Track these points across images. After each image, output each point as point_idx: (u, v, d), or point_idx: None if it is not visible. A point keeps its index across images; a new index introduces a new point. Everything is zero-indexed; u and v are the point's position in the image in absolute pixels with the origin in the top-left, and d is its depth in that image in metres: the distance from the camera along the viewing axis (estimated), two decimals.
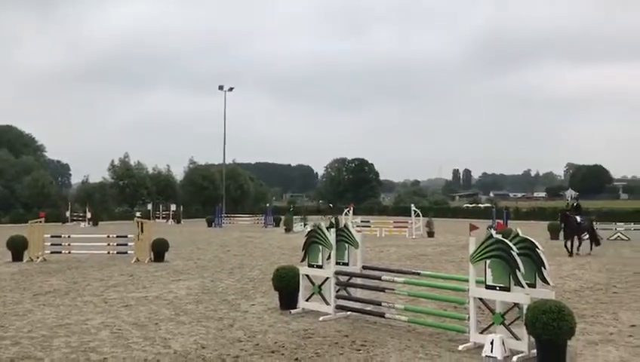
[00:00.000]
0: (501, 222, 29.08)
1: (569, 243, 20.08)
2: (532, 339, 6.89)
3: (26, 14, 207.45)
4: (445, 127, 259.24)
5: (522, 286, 7.12)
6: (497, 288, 7.31)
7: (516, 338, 7.19)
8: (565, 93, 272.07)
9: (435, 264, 17.42)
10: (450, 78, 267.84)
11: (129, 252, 18.85)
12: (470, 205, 75.58)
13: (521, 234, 7.67)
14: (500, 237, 7.39)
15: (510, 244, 7.25)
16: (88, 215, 47.22)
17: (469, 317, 7.65)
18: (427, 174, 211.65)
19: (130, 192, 65.89)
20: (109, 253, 19.61)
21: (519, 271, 7.07)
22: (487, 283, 7.41)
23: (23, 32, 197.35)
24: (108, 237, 20.66)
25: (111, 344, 7.85)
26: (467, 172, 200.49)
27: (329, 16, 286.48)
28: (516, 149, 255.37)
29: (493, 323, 7.52)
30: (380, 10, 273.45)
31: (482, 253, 7.42)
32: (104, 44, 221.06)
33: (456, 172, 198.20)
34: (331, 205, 60.12)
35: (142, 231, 18.40)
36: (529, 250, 7.47)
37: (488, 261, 7.37)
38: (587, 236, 21.02)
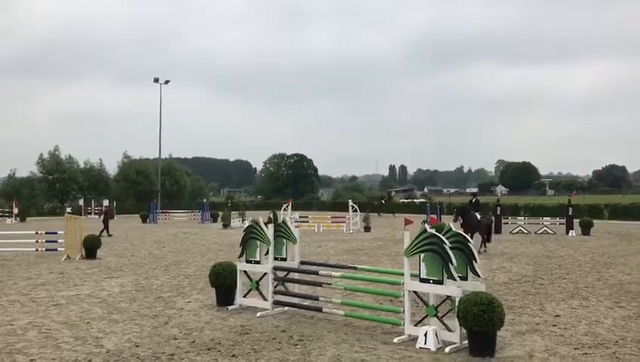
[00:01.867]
0: (434, 217, 29.80)
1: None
2: (464, 331, 7.13)
3: None
4: (382, 124, 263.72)
5: (455, 279, 7.35)
6: (431, 281, 7.51)
7: (449, 329, 7.42)
8: (497, 92, 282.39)
9: (371, 258, 17.68)
10: (388, 76, 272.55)
11: (59, 249, 18.16)
12: (406, 200, 77.13)
13: (453, 229, 7.90)
14: (433, 231, 7.59)
15: (443, 238, 7.46)
16: (15, 210, 45.15)
17: (403, 310, 7.83)
18: (364, 170, 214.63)
19: (61, 187, 63.33)
20: (37, 250, 18.85)
21: (452, 264, 7.29)
22: (422, 277, 7.61)
23: None
24: (36, 233, 19.83)
25: (39, 344, 7.55)
26: (403, 168, 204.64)
27: (270, 12, 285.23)
28: (450, 146, 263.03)
29: (427, 316, 7.73)
30: (320, 7, 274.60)
31: (417, 247, 7.61)
32: (36, 32, 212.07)
33: (392, 168, 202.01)
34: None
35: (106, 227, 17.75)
36: (461, 244, 7.70)
37: (422, 255, 7.56)
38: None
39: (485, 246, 19.66)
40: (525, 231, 29.28)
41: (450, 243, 7.50)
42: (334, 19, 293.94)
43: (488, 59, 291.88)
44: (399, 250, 18.57)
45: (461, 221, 19.61)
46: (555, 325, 8.68)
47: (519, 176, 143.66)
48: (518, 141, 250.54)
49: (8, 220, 43.93)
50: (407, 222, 8.13)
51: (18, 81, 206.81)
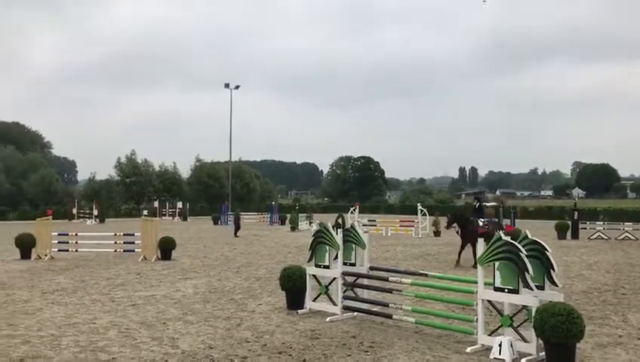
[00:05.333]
0: (509, 222, 28.94)
1: (471, 252, 16.65)
2: (541, 342, 6.87)
3: (36, 13, 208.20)
4: (452, 125, 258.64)
5: (531, 289, 7.10)
6: (506, 290, 7.29)
7: (525, 340, 7.17)
8: (572, 91, 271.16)
9: (442, 264, 17.38)
10: (457, 76, 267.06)
11: (136, 250, 18.91)
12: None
13: (529, 237, 7.64)
14: (508, 239, 7.37)
15: (519, 247, 7.22)
16: (95, 212, 47.41)
17: (477, 319, 7.64)
18: (433, 172, 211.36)
19: (137, 190, 66.09)
20: (115, 250, 19.69)
21: (528, 273, 7.05)
22: (496, 285, 7.40)
23: (32, 30, 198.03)
24: (115, 235, 20.73)
25: (119, 343, 7.88)
26: (473, 170, 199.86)
27: (338, 14, 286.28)
28: (523, 147, 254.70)
29: (501, 325, 7.51)
30: (389, 8, 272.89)
31: (491, 255, 7.40)
32: (112, 42, 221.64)
33: (462, 170, 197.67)
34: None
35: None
36: (538, 253, 7.44)
37: (497, 263, 7.36)
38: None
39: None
40: (605, 237, 27.93)
41: (527, 251, 7.25)
42: (402, 19, 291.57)
43: (562, 57, 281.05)
44: (470, 256, 18.16)
45: (457, 229, 17.68)
46: (639, 338, 8.22)
47: (597, 179, 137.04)
48: (595, 141, 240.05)
49: (88, 221, 46.19)
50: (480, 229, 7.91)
51: (98, 89, 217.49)
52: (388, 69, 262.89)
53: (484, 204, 19.08)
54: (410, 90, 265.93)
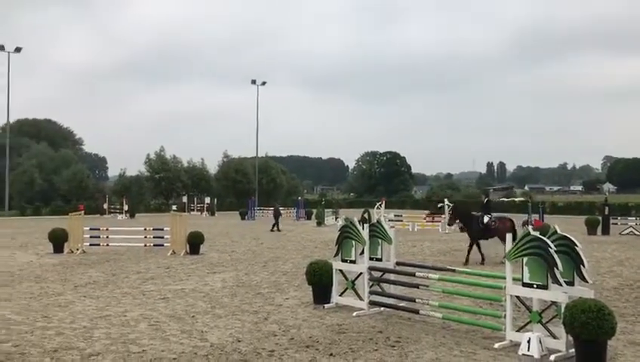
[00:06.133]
0: (537, 218, 28.55)
1: (476, 249, 16.73)
2: (570, 338, 6.79)
3: (65, 10, 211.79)
4: (479, 119, 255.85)
5: (560, 285, 7.01)
6: (535, 286, 7.21)
7: (554, 336, 7.09)
8: (604, 84, 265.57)
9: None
10: (485, 71, 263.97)
11: (165, 244, 19.19)
12: (505, 199, 74.44)
13: (559, 232, 7.55)
14: (537, 234, 7.29)
15: (548, 242, 7.13)
16: (125, 207, 48.19)
17: (505, 315, 7.58)
18: (460, 167, 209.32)
19: (166, 185, 66.94)
20: (145, 245, 20.01)
21: (557, 268, 6.97)
22: (524, 281, 7.33)
23: (61, 28, 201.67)
24: (145, 229, 21.06)
25: (149, 336, 8.03)
26: (502, 165, 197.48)
27: (363, 9, 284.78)
28: (552, 142, 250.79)
29: (530, 322, 7.43)
30: (415, 2, 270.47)
31: (519, 250, 7.34)
32: (141, 39, 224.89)
33: (490, 165, 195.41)
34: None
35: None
36: (567, 248, 7.34)
37: (525, 258, 7.29)
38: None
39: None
40: (637, 233, 27.38)
41: (556, 246, 7.16)
42: (430, 14, 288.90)
43: (593, 49, 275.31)
44: (498, 251, 17.96)
45: (461, 225, 17.28)
46: None
47: (629, 173, 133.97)
48: (627, 136, 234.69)
49: (119, 216, 46.96)
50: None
51: (128, 86, 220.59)
52: (415, 64, 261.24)
53: (489, 200, 18.28)
54: (437, 85, 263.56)
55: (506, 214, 23.44)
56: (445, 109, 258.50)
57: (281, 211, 47.50)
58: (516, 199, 72.16)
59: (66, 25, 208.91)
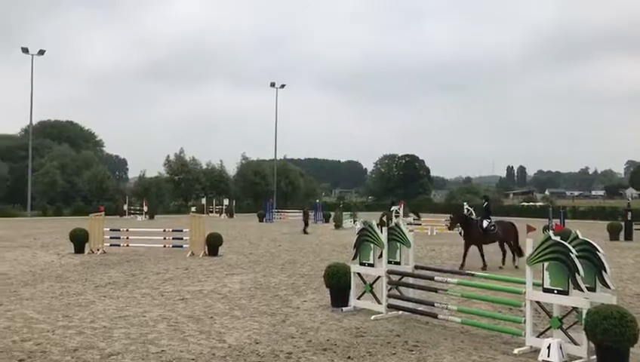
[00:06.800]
0: (558, 222, 28.21)
1: (474, 254, 16.41)
2: (592, 345, 6.69)
3: (87, 14, 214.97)
4: (499, 122, 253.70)
5: (582, 290, 6.92)
6: (555, 291, 7.13)
7: (575, 343, 7.00)
8: (627, 88, 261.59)
9: (487, 263, 17.07)
10: (504, 73, 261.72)
11: (184, 246, 19.32)
12: (526, 203, 73.71)
13: (580, 237, 7.45)
14: (558, 239, 7.20)
15: (569, 247, 7.05)
16: (145, 209, 48.64)
17: (524, 320, 7.50)
18: (480, 171, 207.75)
19: (185, 187, 67.45)
20: (164, 246, 20.17)
21: (579, 274, 6.88)
22: (545, 286, 7.24)
23: (81, 29, 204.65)
24: (164, 231, 21.24)
25: (168, 336, 8.09)
26: (522, 169, 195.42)
27: (382, 11, 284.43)
28: (573, 146, 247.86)
29: (550, 327, 7.35)
30: (434, 4, 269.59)
31: (540, 255, 7.25)
32: (163, 42, 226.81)
33: (510, 169, 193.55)
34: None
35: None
36: (589, 253, 7.25)
37: (546, 263, 7.20)
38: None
39: (515, 260, 16.46)
40: None
41: (577, 251, 7.07)
42: (450, 16, 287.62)
43: (615, 53, 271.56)
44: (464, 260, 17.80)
45: (460, 230, 17.00)
46: None
47: None
48: None
49: (139, 217, 47.42)
50: (530, 228, 7.76)
51: (148, 88, 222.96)
52: (434, 66, 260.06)
53: (489, 205, 18.01)
54: (456, 87, 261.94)
55: (525, 219, 23.16)
56: (465, 112, 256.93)
57: (299, 214, 47.68)
58: (537, 204, 71.40)
59: (88, 28, 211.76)
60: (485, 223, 16.69)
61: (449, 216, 17.87)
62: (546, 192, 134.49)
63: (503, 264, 16.39)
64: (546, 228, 22.51)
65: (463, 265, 15.68)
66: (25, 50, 53.77)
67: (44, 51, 54.73)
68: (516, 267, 16.01)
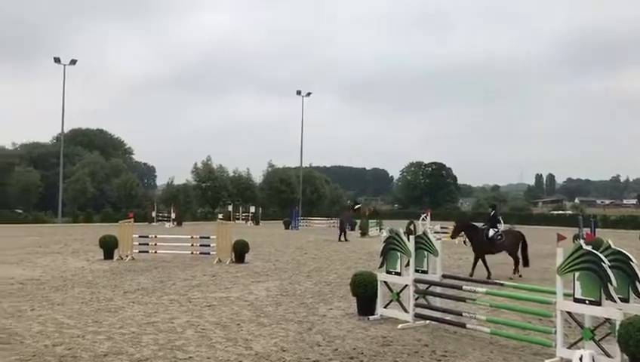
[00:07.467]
0: (589, 231, 27.69)
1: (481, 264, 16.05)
2: (625, 357, 6.54)
3: (115, 22, 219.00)
4: (527, 130, 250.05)
5: (614, 301, 6.78)
6: (587, 302, 6.99)
7: (608, 355, 6.84)
8: None
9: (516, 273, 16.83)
10: (532, 79, 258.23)
11: (211, 252, 19.47)
12: (555, 212, 72.54)
13: (612, 246, 7.31)
14: (589, 248, 7.07)
15: (601, 256, 6.92)
16: (173, 215, 49.18)
17: (555, 331, 7.37)
18: (508, 179, 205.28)
19: (212, 194, 68.09)
20: (192, 253, 20.35)
21: (611, 284, 6.74)
22: (576, 296, 7.11)
23: (111, 40, 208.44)
24: (191, 237, 21.43)
25: (196, 343, 8.15)
26: (551, 177, 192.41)
27: (405, 17, 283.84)
28: (604, 153, 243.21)
29: (582, 338, 7.20)
30: (459, 9, 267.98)
31: (571, 264, 7.13)
32: (190, 52, 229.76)
33: (539, 177, 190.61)
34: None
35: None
36: (622, 263, 7.10)
37: (577, 273, 7.07)
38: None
39: (517, 271, 16.15)
40: None
41: (610, 261, 6.93)
42: (475, 21, 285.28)
43: None
44: (547, 265, 17.51)
45: (465, 239, 16.50)
46: None
47: None
48: None
49: (167, 224, 47.97)
50: (560, 237, 7.62)
51: (175, 97, 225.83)
52: (460, 72, 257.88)
53: (496, 212, 17.47)
54: (484, 94, 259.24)
55: (555, 228, 22.74)
56: (492, 119, 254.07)
57: (325, 222, 47.75)
58: (566, 212, 70.21)
59: (118, 39, 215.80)
60: (491, 232, 16.30)
61: (454, 223, 17.47)
62: (576, 200, 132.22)
63: (514, 274, 15.96)
64: (576, 237, 22.06)
65: (471, 275, 15.21)
66: (57, 60, 55.07)
67: (76, 61, 55.97)
68: (520, 276, 15.72)
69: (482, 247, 16.19)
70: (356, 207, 33.46)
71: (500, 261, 16.99)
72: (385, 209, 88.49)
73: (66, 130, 64.89)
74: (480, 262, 16.14)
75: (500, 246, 16.34)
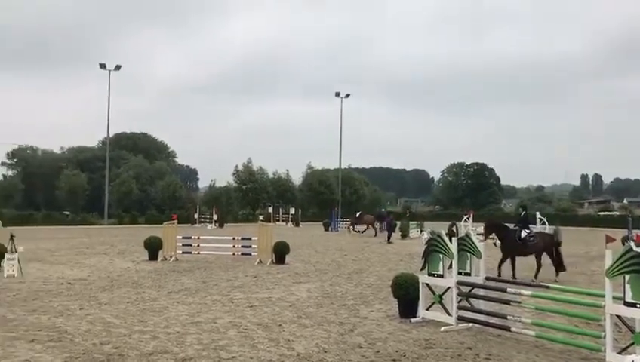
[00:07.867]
0: (639, 233, 26.79)
1: (509, 266, 15.65)
2: None
3: (158, 30, 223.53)
4: (573, 128, 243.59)
5: None
6: (638, 306, 6.77)
7: None
8: None
9: (562, 275, 16.41)
10: (579, 78, 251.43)
11: (252, 254, 19.66)
12: (602, 213, 70.48)
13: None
14: None
15: None
16: (215, 217, 49.84)
17: (605, 335, 7.16)
18: (552, 179, 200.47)
19: (253, 196, 68.71)
20: (234, 254, 20.58)
21: None
22: (626, 300, 6.89)
23: (155, 45, 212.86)
24: (233, 239, 21.67)
25: (239, 343, 8.24)
26: (597, 177, 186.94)
27: (447, 17, 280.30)
28: None
29: (633, 343, 6.97)
30: (503, 10, 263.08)
31: (621, 267, 6.92)
32: (231, 55, 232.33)
33: (584, 177, 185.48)
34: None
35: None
36: None
37: (627, 276, 6.86)
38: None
39: (538, 274, 15.46)
40: None
41: None
42: (518, 22, 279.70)
43: None
44: (595, 268, 17.06)
45: (495, 240, 15.93)
46: None
47: None
48: None
49: (209, 226, 48.62)
50: (609, 239, 7.40)
51: (218, 98, 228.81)
52: (504, 72, 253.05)
53: (527, 214, 16.98)
54: (527, 93, 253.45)
55: (602, 229, 22.11)
56: (535, 119, 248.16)
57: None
58: (614, 213, 68.12)
59: (161, 44, 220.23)
60: (524, 233, 15.87)
61: (484, 224, 16.90)
62: (624, 201, 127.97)
63: (535, 278, 15.29)
64: (625, 239, 21.40)
65: (499, 275, 14.72)
66: (102, 66, 56.48)
67: (120, 67, 57.31)
68: (555, 281, 14.96)
69: (514, 249, 15.76)
70: (357, 214, 35.23)
71: (545, 262, 16.56)
72: (425, 210, 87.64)
73: (111, 134, 66.49)
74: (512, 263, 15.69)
75: (533, 248, 15.88)
